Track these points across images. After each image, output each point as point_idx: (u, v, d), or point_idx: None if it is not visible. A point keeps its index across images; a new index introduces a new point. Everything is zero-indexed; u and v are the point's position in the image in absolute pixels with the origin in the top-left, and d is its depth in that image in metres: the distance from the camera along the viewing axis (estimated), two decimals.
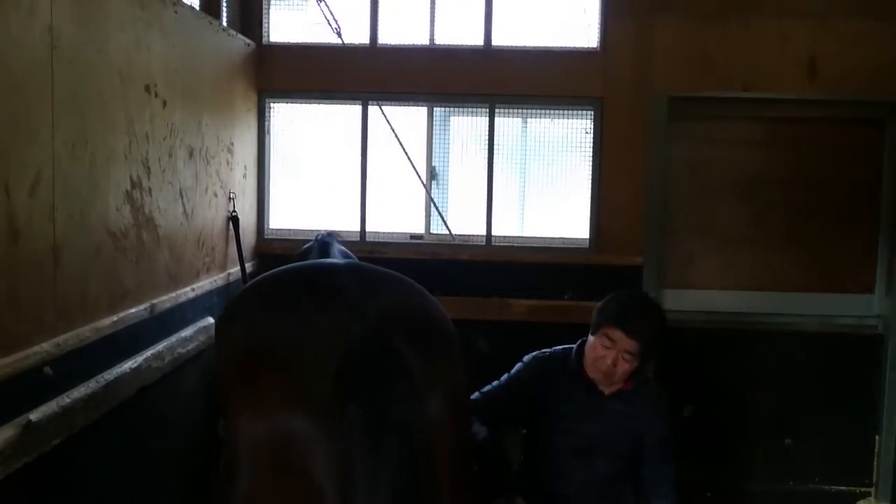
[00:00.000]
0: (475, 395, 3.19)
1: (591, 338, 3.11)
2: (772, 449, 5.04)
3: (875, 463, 4.98)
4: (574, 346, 3.26)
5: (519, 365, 3.34)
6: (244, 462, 1.95)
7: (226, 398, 2.06)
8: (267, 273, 2.37)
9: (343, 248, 3.76)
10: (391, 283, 2.28)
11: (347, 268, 2.31)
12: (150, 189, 3.10)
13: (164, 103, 3.25)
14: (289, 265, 2.51)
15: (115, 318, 2.81)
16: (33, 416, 2.23)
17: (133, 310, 2.97)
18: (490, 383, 3.33)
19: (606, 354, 3.01)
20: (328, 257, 3.44)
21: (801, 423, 5.02)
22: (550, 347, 3.37)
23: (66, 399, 2.42)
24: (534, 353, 3.35)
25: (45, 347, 2.34)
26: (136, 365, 2.93)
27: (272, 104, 4.98)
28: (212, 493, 2.13)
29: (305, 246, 3.85)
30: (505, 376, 3.32)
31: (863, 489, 5.01)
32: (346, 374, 1.92)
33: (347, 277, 2.20)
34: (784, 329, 5.00)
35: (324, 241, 3.63)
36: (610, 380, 3.07)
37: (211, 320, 3.82)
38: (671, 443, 3.19)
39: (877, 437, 4.96)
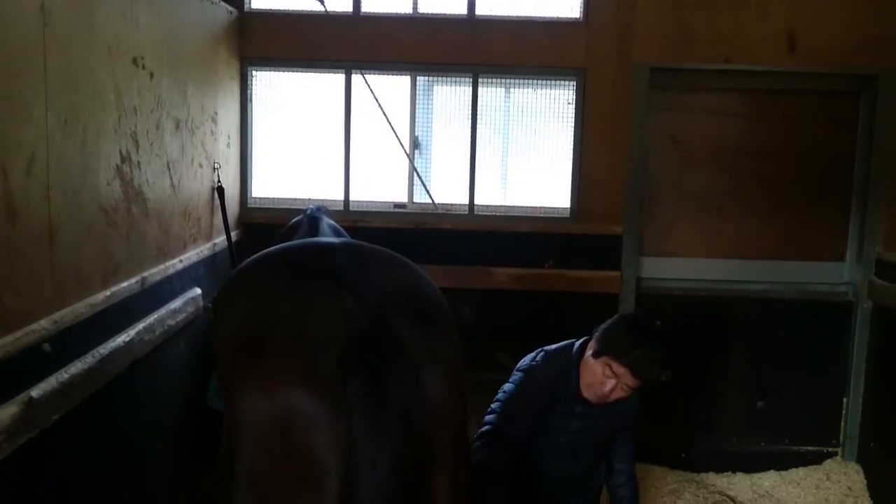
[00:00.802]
0: (505, 425, 2.99)
1: (591, 359, 2.98)
2: (745, 411, 5.20)
3: (843, 424, 5.16)
4: (573, 354, 3.10)
5: (525, 380, 3.10)
6: (247, 439, 1.99)
7: (229, 375, 2.10)
8: (266, 251, 2.39)
9: (333, 222, 3.79)
10: (387, 263, 2.32)
11: (344, 247, 2.34)
12: (138, 163, 3.10)
13: (151, 75, 3.23)
14: (286, 244, 2.53)
15: (107, 292, 2.83)
16: (34, 392, 2.26)
17: (125, 283, 2.99)
18: (502, 402, 3.07)
19: (606, 382, 2.93)
20: (318, 232, 3.46)
21: (774, 386, 5.18)
22: (546, 351, 3.17)
23: (64, 375, 2.46)
24: (536, 366, 3.12)
25: (44, 325, 2.36)
26: (128, 338, 2.96)
27: (254, 72, 4.95)
28: (215, 470, 2.17)
29: (294, 220, 3.86)
30: (517, 395, 3.07)
31: (830, 449, 5.20)
32: (347, 354, 1.97)
33: (345, 257, 2.24)
34: (758, 296, 5.14)
35: (313, 216, 3.65)
36: (602, 401, 3.01)
37: (198, 291, 3.84)
38: (638, 422, 3.29)
39: (845, 400, 5.13)
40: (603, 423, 3.13)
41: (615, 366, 2.92)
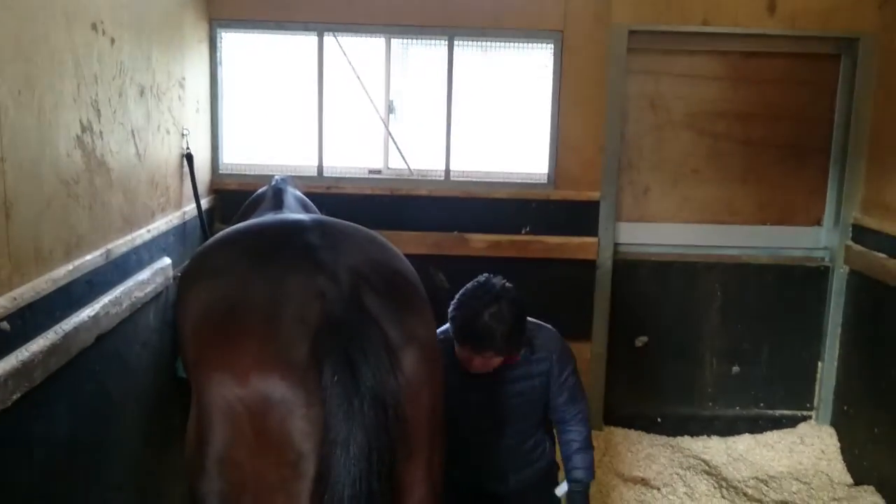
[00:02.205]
0: None
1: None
2: (720, 376, 5.24)
3: (817, 388, 5.21)
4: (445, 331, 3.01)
5: None
6: (217, 424, 1.96)
7: (196, 357, 2.05)
8: (232, 228, 2.34)
9: (298, 193, 3.71)
10: (359, 240, 2.28)
11: (313, 224, 2.29)
12: (100, 132, 3.00)
13: (112, 41, 3.12)
14: (253, 220, 2.47)
15: (70, 266, 2.75)
16: None
17: (88, 257, 2.91)
18: None
19: (472, 359, 2.93)
20: (283, 205, 3.39)
21: (749, 351, 5.21)
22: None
23: (24, 353, 2.39)
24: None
25: (1, 302, 2.29)
26: (94, 313, 2.90)
27: (223, 34, 4.82)
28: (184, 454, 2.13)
29: (259, 192, 3.78)
30: None
31: (805, 413, 5.25)
32: (321, 338, 1.92)
33: (315, 235, 2.19)
34: (735, 261, 5.15)
35: (278, 188, 3.56)
36: (486, 370, 2.99)
37: (168, 261, 3.77)
38: (575, 381, 3.18)
39: (819, 364, 5.17)
40: (506, 389, 3.08)
41: (463, 350, 2.92)
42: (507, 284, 2.96)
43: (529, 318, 3.08)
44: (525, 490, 3.28)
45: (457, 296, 2.98)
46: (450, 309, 2.96)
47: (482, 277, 3.00)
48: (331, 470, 1.87)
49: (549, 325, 3.25)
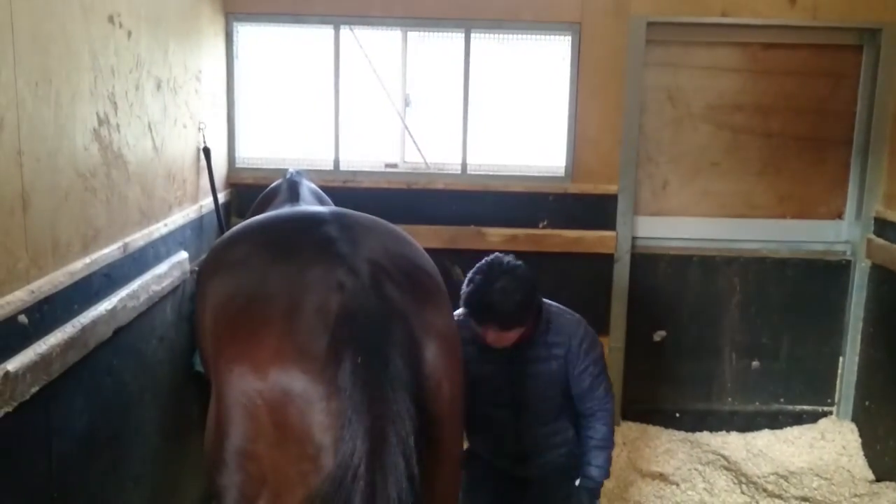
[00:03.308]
0: None
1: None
2: (739, 371, 5.18)
3: (838, 383, 5.15)
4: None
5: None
6: (236, 417, 1.94)
7: (214, 350, 2.04)
8: (250, 220, 2.32)
9: (313, 186, 3.70)
10: (377, 232, 2.26)
11: (332, 216, 2.27)
12: (117, 125, 3.00)
13: (129, 34, 3.11)
14: (271, 213, 2.46)
15: (87, 259, 2.75)
16: (10, 366, 2.19)
17: (106, 250, 2.91)
18: None
19: (488, 336, 3.00)
20: (298, 198, 3.37)
21: (769, 346, 5.16)
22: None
23: (42, 346, 2.39)
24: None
25: (19, 296, 2.29)
26: (111, 306, 2.89)
27: (240, 28, 4.81)
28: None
29: (273, 185, 3.77)
30: None
31: (825, 408, 5.19)
32: (342, 329, 1.90)
33: (334, 227, 2.17)
34: (754, 255, 5.09)
35: (293, 180, 3.55)
36: (502, 346, 3.05)
37: (185, 254, 3.77)
38: (597, 373, 3.18)
39: (841, 359, 5.11)
40: (524, 368, 3.13)
41: (474, 323, 3.00)
42: (518, 262, 3.02)
43: (554, 304, 3.22)
44: (546, 476, 3.29)
45: (469, 272, 3.06)
46: (463, 290, 3.03)
47: (493, 255, 3.08)
48: (363, 461, 1.81)
49: (574, 314, 3.27)
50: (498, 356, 3.09)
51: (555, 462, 3.29)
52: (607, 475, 3.20)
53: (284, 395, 1.89)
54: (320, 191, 3.71)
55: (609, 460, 3.19)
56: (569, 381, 3.18)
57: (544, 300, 3.22)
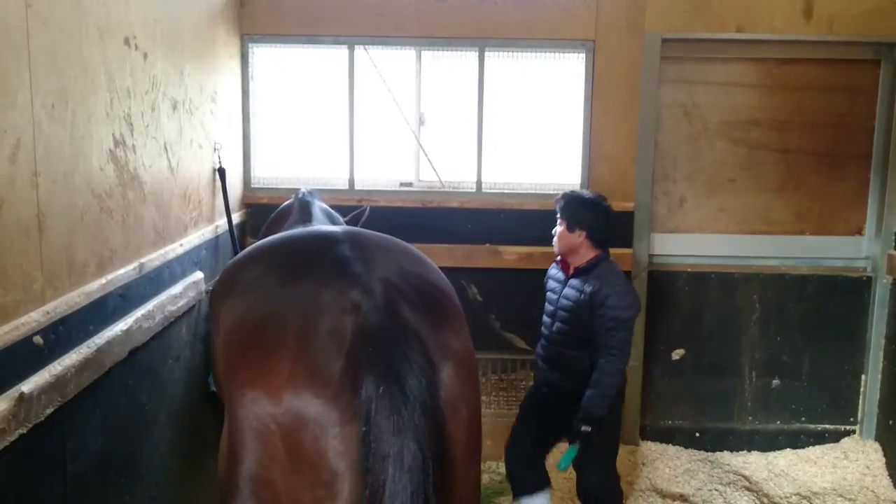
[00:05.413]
0: None
1: None
2: (760, 389, 5.11)
3: (860, 402, 5.07)
4: None
5: None
6: (249, 442, 1.91)
7: (227, 372, 2.01)
8: (263, 241, 2.31)
9: (325, 206, 3.69)
10: (390, 252, 2.23)
11: (345, 236, 2.25)
12: (133, 146, 3.01)
13: (145, 55, 3.13)
14: (285, 233, 2.44)
15: (103, 280, 2.75)
16: (25, 387, 2.19)
17: (121, 270, 2.91)
18: None
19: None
20: (310, 217, 3.36)
21: (789, 364, 5.08)
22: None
23: (57, 367, 2.39)
24: None
25: (35, 317, 2.29)
26: (126, 327, 2.89)
27: (255, 49, 4.84)
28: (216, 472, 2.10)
29: (285, 204, 3.77)
30: None
31: (848, 427, 5.11)
32: (358, 352, 1.87)
33: (348, 247, 2.15)
34: (773, 272, 5.03)
35: (304, 200, 3.54)
36: (561, 251, 3.80)
37: (200, 274, 3.77)
38: (612, 326, 3.54)
39: (863, 377, 5.04)
40: (564, 291, 3.73)
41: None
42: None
43: (617, 268, 3.77)
44: (564, 397, 3.69)
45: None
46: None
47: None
48: (384, 487, 1.80)
49: (622, 275, 3.76)
50: (561, 277, 3.80)
51: (570, 393, 3.64)
52: (595, 410, 3.52)
53: (298, 419, 1.85)
54: (332, 210, 3.70)
55: (597, 398, 3.52)
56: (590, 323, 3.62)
57: (612, 261, 3.78)
